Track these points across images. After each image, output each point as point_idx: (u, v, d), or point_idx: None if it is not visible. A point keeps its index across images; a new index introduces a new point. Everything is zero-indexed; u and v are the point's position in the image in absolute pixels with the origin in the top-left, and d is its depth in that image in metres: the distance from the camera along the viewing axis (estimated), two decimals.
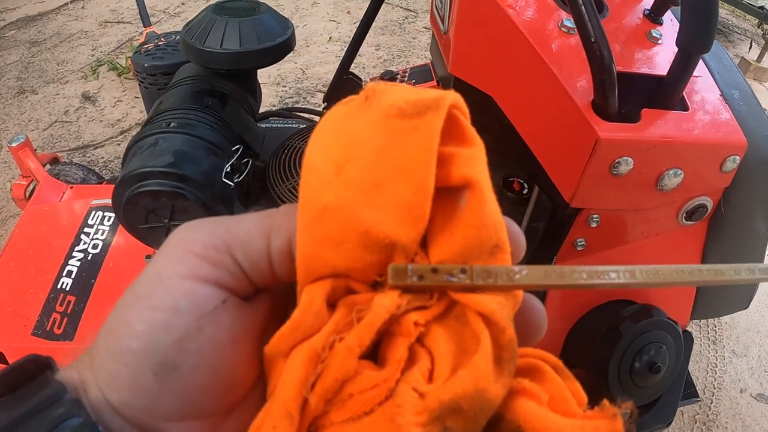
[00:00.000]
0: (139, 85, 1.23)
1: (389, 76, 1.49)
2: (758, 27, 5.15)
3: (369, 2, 1.28)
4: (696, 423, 1.91)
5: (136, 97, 3.25)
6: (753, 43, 5.33)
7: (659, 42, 0.74)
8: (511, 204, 0.95)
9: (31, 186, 1.97)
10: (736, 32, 6.02)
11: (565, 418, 0.20)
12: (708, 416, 1.94)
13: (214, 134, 0.82)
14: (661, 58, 0.72)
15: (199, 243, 0.23)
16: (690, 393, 1.19)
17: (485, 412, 0.19)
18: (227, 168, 0.79)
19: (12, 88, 3.42)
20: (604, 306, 0.81)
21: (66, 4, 4.51)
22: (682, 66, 0.61)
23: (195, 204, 0.75)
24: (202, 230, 0.23)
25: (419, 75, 1.50)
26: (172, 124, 0.80)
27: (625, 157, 0.63)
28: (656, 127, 0.63)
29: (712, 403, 1.98)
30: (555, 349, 0.91)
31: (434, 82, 1.46)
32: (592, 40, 0.58)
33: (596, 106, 0.63)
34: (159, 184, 0.73)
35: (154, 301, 0.22)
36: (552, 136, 0.71)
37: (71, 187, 1.76)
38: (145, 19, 3.17)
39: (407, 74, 1.52)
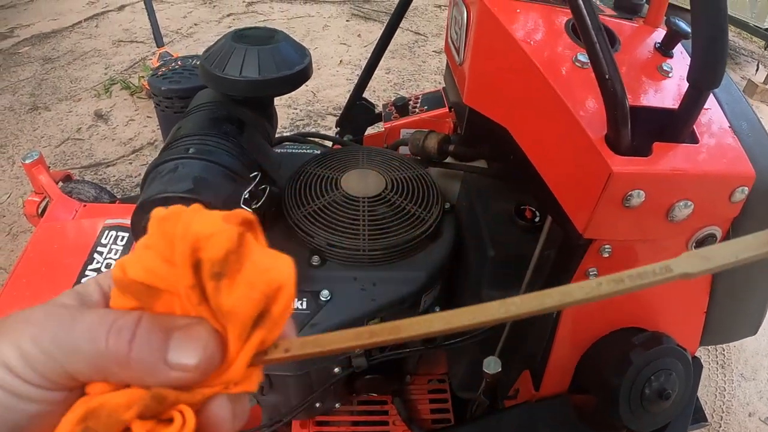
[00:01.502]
0: (155, 107, 1.25)
1: (401, 103, 1.52)
2: (765, 49, 5.16)
3: (383, 29, 1.30)
4: None
5: (148, 117, 3.28)
6: (760, 65, 5.33)
7: (670, 75, 0.76)
8: (523, 231, 0.96)
9: (44, 203, 1.99)
10: (743, 54, 6.02)
11: None
12: None
13: (233, 161, 0.84)
14: (671, 91, 0.73)
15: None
16: (698, 417, 1.20)
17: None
18: (245, 195, 0.81)
19: (25, 104, 3.46)
20: (614, 333, 0.82)
21: (80, 22, 4.57)
22: (693, 101, 0.62)
23: None
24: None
25: (431, 101, 1.54)
26: (191, 150, 0.82)
27: (637, 190, 0.64)
28: (667, 160, 0.65)
29: (720, 427, 1.97)
30: (566, 375, 0.91)
31: (446, 109, 1.49)
32: (606, 77, 0.60)
33: (609, 140, 0.64)
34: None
35: None
36: (565, 169, 0.72)
37: (84, 205, 1.78)
38: (158, 39, 3.23)
39: (419, 100, 1.55)
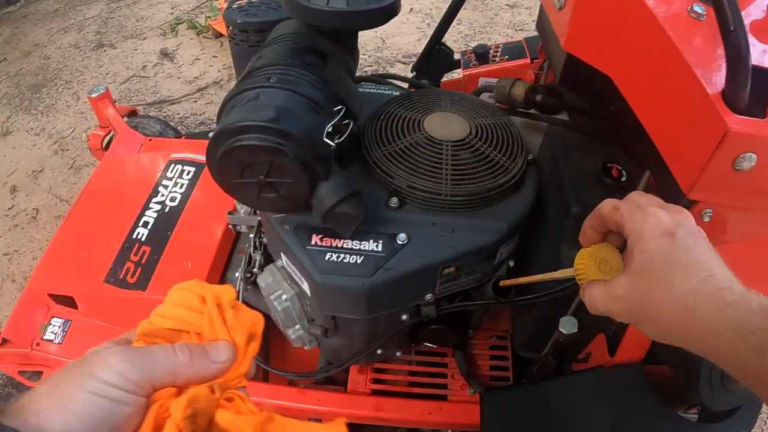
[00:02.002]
0: (230, 41, 1.22)
1: (482, 51, 1.47)
2: None
3: None
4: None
5: (214, 56, 3.29)
6: None
7: None
8: (609, 190, 0.91)
9: (108, 137, 2.01)
10: None
11: (236, 414, 0.43)
12: None
13: (316, 92, 0.80)
14: None
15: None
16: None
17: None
18: (329, 128, 0.77)
19: (91, 41, 3.51)
20: None
21: None
22: None
23: (294, 162, 0.74)
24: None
25: (512, 51, 1.50)
26: (272, 80, 0.79)
27: (749, 153, 0.60)
28: None
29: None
30: (645, 344, 0.87)
31: (528, 60, 1.43)
32: (731, 29, 0.55)
33: (726, 97, 0.60)
34: (259, 138, 0.72)
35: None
36: (675, 124, 0.67)
37: (149, 140, 1.79)
38: None
39: (500, 50, 1.50)
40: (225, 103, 0.82)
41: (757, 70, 0.60)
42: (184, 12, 3.75)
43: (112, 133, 1.99)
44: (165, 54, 3.32)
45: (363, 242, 0.85)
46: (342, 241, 0.85)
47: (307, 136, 0.74)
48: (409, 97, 1.02)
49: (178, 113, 2.90)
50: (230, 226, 1.18)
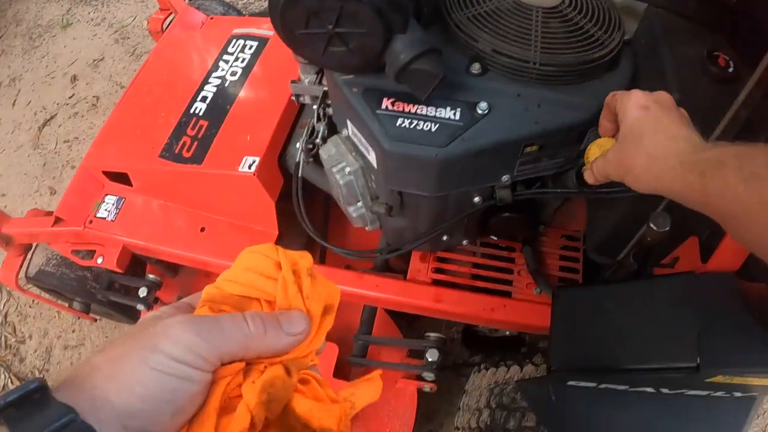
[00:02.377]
0: None
1: None
2: None
3: None
4: None
5: None
6: None
7: None
8: (714, 80, 0.82)
9: (169, 19, 1.95)
10: None
11: (316, 402, 0.42)
12: None
13: None
14: None
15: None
16: None
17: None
18: None
19: None
20: None
21: None
22: None
23: (367, 8, 0.65)
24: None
25: None
26: None
27: None
28: None
29: None
30: (742, 253, 0.78)
31: None
32: None
33: None
34: None
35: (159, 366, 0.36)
36: None
37: (210, 18, 1.71)
38: None
39: None
40: None
41: None
42: None
43: (172, 15, 1.92)
44: None
45: (439, 109, 0.77)
46: (416, 106, 0.77)
47: None
48: None
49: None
50: (293, 97, 1.11)
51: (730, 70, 0.82)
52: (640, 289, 0.90)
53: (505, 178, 0.86)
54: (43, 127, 2.44)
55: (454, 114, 0.77)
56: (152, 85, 1.43)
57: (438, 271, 1.17)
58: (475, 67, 0.79)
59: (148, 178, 1.30)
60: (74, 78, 2.59)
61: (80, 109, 2.46)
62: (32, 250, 1.49)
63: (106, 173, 1.34)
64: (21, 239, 1.43)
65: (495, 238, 1.17)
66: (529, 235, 1.12)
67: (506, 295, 1.13)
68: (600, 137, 0.73)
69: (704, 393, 0.81)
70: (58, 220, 1.32)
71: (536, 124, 0.78)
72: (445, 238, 1.04)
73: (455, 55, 0.80)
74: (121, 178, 1.33)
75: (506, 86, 0.79)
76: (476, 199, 0.91)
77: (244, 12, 2.61)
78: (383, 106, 0.78)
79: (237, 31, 1.50)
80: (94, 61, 2.65)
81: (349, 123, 0.87)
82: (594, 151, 0.71)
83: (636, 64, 0.88)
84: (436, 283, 1.15)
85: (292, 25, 0.71)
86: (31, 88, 2.63)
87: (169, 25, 1.93)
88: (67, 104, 2.49)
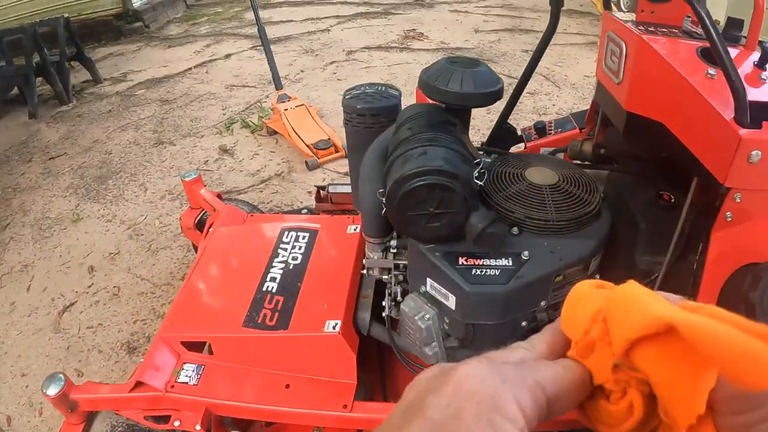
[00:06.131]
0: (346, 124, 1.59)
1: (541, 126, 1.88)
2: None
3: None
4: None
5: (271, 152, 3.78)
6: None
7: (767, 81, 1.15)
8: (664, 209, 1.34)
9: (199, 216, 2.34)
10: None
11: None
12: None
13: (462, 149, 1.17)
14: None
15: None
16: None
17: None
18: (476, 173, 1.11)
19: (149, 139, 3.99)
20: (745, 266, 1.12)
21: (190, 69, 5.23)
22: None
23: (458, 197, 1.09)
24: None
25: (562, 124, 2.00)
26: (431, 141, 1.14)
27: (756, 150, 1.01)
28: None
29: None
30: (712, 297, 1.19)
31: (577, 130, 1.82)
32: (734, 81, 1.00)
33: (736, 120, 1.02)
34: (436, 179, 1.08)
35: None
36: (708, 140, 1.09)
37: (251, 215, 2.13)
38: (277, 82, 3.73)
39: (552, 125, 1.93)
40: (392, 163, 1.17)
41: (751, 103, 1.03)
42: (236, 113, 4.28)
43: (203, 212, 2.32)
44: (224, 150, 3.78)
45: (498, 260, 1.19)
46: (482, 260, 1.19)
47: (465, 178, 1.08)
48: (508, 157, 1.42)
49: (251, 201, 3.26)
50: (364, 271, 1.50)
51: (672, 201, 1.33)
52: None
53: (543, 303, 1.25)
54: (63, 313, 2.62)
55: (508, 262, 1.18)
56: (215, 270, 1.80)
57: None
58: (515, 230, 1.23)
59: (233, 345, 1.61)
60: (92, 269, 2.84)
61: (101, 297, 2.67)
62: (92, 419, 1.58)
63: (184, 343, 1.62)
64: (88, 406, 1.55)
65: None
66: None
67: None
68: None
69: None
70: (138, 384, 1.50)
71: (560, 260, 1.20)
72: None
73: (500, 223, 1.22)
74: (196, 348, 1.62)
75: (537, 239, 1.23)
76: (523, 323, 1.29)
77: (264, 210, 3.06)
78: (460, 263, 1.19)
79: (286, 225, 1.91)
80: (110, 254, 2.94)
81: (428, 280, 1.27)
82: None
83: (610, 212, 1.33)
84: None
85: (404, 208, 1.13)
86: (46, 275, 2.88)
87: (199, 221, 2.32)
88: (87, 293, 2.71)
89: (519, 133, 2.02)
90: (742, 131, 1.00)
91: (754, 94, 1.07)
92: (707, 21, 1.05)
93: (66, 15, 4.93)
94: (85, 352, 2.38)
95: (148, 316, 2.48)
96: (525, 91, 1.90)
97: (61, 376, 1.48)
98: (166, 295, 2.59)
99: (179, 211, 3.12)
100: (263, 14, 4.08)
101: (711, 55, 1.16)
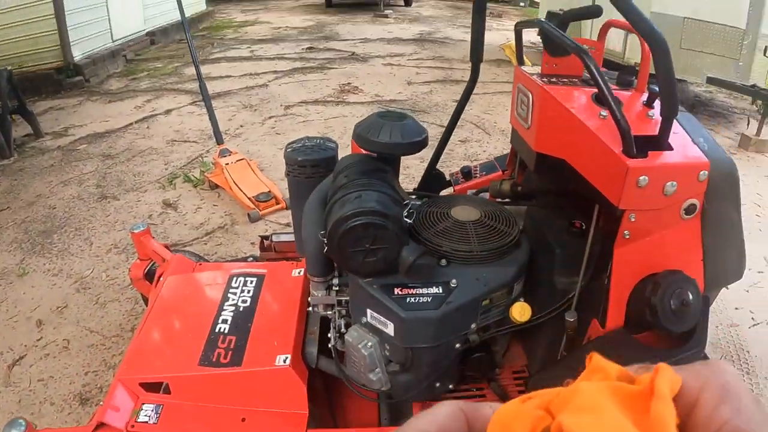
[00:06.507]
0: (287, 175, 1.75)
1: (467, 170, 2.08)
2: (752, 104, 5.80)
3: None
4: None
5: (214, 205, 3.88)
6: (750, 120, 5.95)
7: (653, 117, 1.35)
8: (575, 236, 1.53)
9: (148, 266, 2.42)
10: (736, 113, 6.66)
11: None
12: None
13: (393, 192, 1.34)
14: (655, 126, 1.29)
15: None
16: None
17: None
18: (405, 213, 1.28)
19: (93, 194, 4.05)
20: (646, 277, 1.31)
21: (131, 124, 5.32)
22: (665, 125, 1.22)
23: (390, 234, 1.25)
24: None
25: (487, 168, 2.26)
26: (365, 186, 1.30)
27: (643, 176, 1.20)
28: (658, 159, 1.22)
29: None
30: (622, 312, 1.36)
31: (500, 172, 2.03)
32: (620, 120, 1.19)
33: (624, 152, 1.22)
34: (370, 218, 1.24)
35: None
36: (603, 171, 1.29)
37: (199, 264, 2.24)
38: (218, 137, 3.91)
39: (478, 168, 2.15)
40: (332, 206, 1.33)
41: (638, 136, 1.23)
42: (178, 167, 4.37)
43: (152, 264, 2.40)
44: (168, 204, 3.86)
45: (429, 288, 1.35)
46: (415, 289, 1.35)
47: (396, 217, 1.24)
48: (435, 199, 1.62)
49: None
50: (310, 308, 1.63)
51: (583, 227, 1.52)
52: (574, 356, 1.45)
53: (473, 325, 1.41)
54: (13, 367, 2.58)
55: (439, 289, 1.35)
56: (170, 314, 1.90)
57: None
58: (443, 262, 1.40)
59: (190, 384, 1.69)
60: (40, 322, 2.82)
61: (51, 351, 2.65)
62: None
63: (142, 384, 1.69)
64: None
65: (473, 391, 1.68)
66: (492, 375, 1.65)
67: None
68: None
69: None
70: (100, 425, 1.53)
71: (485, 286, 1.37)
72: (437, 384, 1.54)
73: (430, 257, 1.38)
74: (153, 389, 1.69)
75: (463, 269, 1.40)
76: (457, 345, 1.44)
77: (209, 259, 3.14)
78: (395, 293, 1.34)
79: (235, 270, 2.02)
80: (58, 308, 2.92)
81: (368, 311, 1.42)
82: (516, 307, 1.38)
83: (529, 241, 1.51)
84: None
85: (344, 246, 1.28)
86: None
87: (148, 272, 2.40)
88: (36, 346, 2.68)
89: (447, 178, 2.21)
90: (629, 161, 1.19)
91: (641, 129, 1.28)
92: (595, 72, 1.25)
93: (9, 67, 4.93)
94: (37, 405, 2.37)
95: (100, 367, 2.50)
96: (456, 139, 2.10)
97: (22, 421, 1.52)
98: (116, 346, 2.61)
99: (126, 265, 3.16)
100: (202, 69, 4.22)
101: None
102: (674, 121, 1.31)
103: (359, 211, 1.26)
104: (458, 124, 2.04)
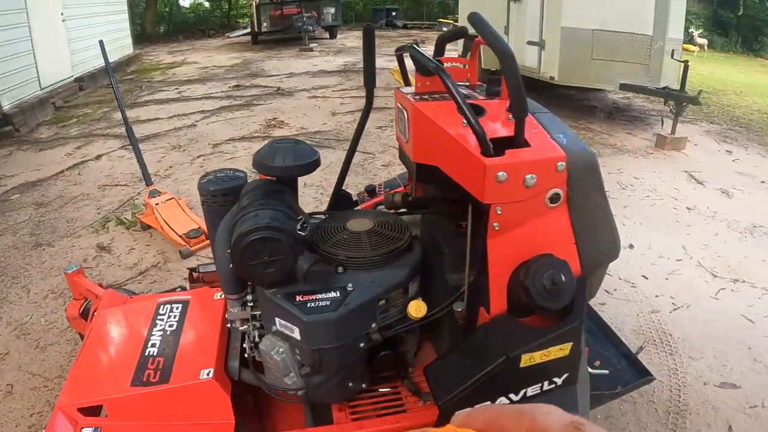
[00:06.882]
0: (203, 205, 1.87)
1: (371, 188, 2.28)
2: (665, 105, 6.16)
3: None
4: (670, 415, 2.47)
5: (147, 245, 3.97)
6: (664, 120, 6.32)
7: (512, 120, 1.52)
8: (462, 236, 1.66)
9: (84, 305, 2.50)
10: (653, 115, 7.06)
11: None
12: (679, 407, 2.51)
13: (288, 210, 1.50)
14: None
15: None
16: (647, 375, 1.98)
17: None
18: (299, 227, 1.44)
19: (28, 242, 4.08)
20: (522, 263, 1.45)
21: (62, 171, 5.38)
22: (519, 125, 1.39)
23: (284, 245, 1.40)
24: None
25: (390, 185, 2.45)
26: (262, 206, 1.45)
27: (502, 172, 1.35)
28: (515, 156, 1.37)
29: (680, 397, 2.55)
30: (503, 298, 1.49)
31: (402, 188, 2.20)
32: (474, 126, 1.35)
33: (482, 153, 1.36)
34: (266, 233, 1.38)
35: None
36: (468, 172, 1.43)
37: (131, 297, 2.34)
38: (147, 178, 4.02)
39: (382, 186, 2.35)
40: (234, 224, 1.47)
41: (497, 138, 1.39)
42: (110, 211, 4.46)
43: (87, 302, 2.49)
44: (102, 247, 3.94)
45: (328, 293, 1.51)
46: (315, 295, 1.49)
47: (290, 230, 1.40)
48: (333, 215, 1.77)
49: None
50: (228, 324, 1.76)
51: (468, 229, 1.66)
52: (467, 342, 1.58)
53: (373, 325, 1.56)
54: None
55: (336, 293, 1.50)
56: (104, 343, 1.99)
57: (353, 413, 1.78)
58: (340, 269, 1.55)
59: (124, 405, 1.76)
60: None
61: None
62: None
63: (80, 410, 1.76)
64: None
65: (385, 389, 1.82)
66: (404, 373, 1.81)
67: (403, 411, 1.75)
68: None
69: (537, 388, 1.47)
70: None
71: (380, 287, 1.53)
72: (350, 384, 1.68)
73: (326, 264, 1.54)
74: (93, 413, 1.77)
75: (359, 274, 1.55)
76: (361, 344, 1.59)
77: (137, 291, 3.22)
78: (297, 300, 1.49)
79: (161, 299, 2.13)
80: (0, 354, 2.97)
81: (277, 319, 1.55)
82: (412, 305, 1.52)
83: (421, 244, 1.68)
84: (355, 419, 1.75)
85: (246, 259, 1.43)
86: None
87: (84, 311, 2.48)
88: None
89: (354, 198, 2.37)
90: (487, 160, 1.33)
91: (501, 132, 1.44)
92: (450, 86, 1.41)
93: None
94: None
95: (44, 408, 2.56)
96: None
97: None
98: (58, 387, 2.65)
99: (63, 309, 3.19)
100: (130, 114, 4.31)
101: None
102: (535, 121, 1.50)
103: (255, 228, 1.40)
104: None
